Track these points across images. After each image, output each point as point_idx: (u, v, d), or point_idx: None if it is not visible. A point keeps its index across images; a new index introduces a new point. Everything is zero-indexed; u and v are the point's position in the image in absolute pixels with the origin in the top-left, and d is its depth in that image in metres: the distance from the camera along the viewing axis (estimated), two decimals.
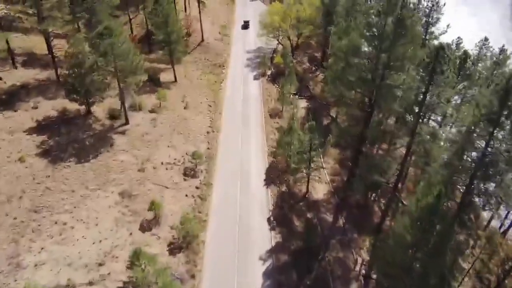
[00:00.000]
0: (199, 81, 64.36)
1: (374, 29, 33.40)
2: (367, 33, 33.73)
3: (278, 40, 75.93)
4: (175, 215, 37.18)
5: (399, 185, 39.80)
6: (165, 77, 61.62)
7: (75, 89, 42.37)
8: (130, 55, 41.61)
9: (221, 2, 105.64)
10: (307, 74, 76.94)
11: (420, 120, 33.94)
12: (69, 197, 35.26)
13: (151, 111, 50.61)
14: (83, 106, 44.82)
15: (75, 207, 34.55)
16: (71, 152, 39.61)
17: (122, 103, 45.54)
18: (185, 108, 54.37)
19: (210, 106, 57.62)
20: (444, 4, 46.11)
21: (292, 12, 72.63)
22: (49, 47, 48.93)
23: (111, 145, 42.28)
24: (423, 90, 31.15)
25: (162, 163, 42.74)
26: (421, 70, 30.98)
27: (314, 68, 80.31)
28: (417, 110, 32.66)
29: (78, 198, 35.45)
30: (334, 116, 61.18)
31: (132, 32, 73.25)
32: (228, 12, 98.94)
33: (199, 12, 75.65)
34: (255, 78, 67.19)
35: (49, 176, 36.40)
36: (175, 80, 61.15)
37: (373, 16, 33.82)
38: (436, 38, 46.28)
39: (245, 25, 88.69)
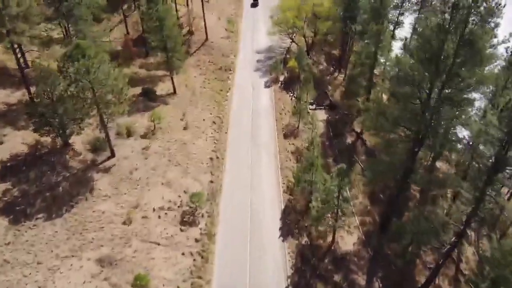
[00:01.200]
0: (203, 90, 55.15)
1: (431, 51, 23.86)
2: (424, 55, 24.14)
3: (291, 38, 65.73)
4: (168, 286, 29.07)
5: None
6: (163, 87, 52.63)
7: (46, 121, 33.94)
8: (110, 80, 32.63)
9: None
10: (325, 76, 66.89)
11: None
12: (34, 272, 27.17)
13: (144, 136, 41.92)
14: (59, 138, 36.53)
15: None
16: (41, 205, 31.35)
17: (106, 134, 36.91)
18: (184, 128, 45.51)
19: (215, 123, 48.63)
20: (505, 5, 35.39)
21: (308, 6, 62.13)
22: (19, 63, 40.05)
23: (91, 190, 33.90)
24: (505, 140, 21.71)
25: (153, 210, 34.31)
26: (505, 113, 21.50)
27: (332, 68, 70.19)
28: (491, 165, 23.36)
29: (45, 272, 27.29)
30: (359, 131, 51.81)
31: (127, 31, 64.02)
32: (235, 2, 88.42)
33: (202, 7, 65.53)
34: (266, 85, 57.57)
35: (9, 243, 28.36)
36: (174, 92, 52.13)
37: (429, 32, 24.19)
38: (494, 48, 36.02)
39: (255, 3, 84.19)
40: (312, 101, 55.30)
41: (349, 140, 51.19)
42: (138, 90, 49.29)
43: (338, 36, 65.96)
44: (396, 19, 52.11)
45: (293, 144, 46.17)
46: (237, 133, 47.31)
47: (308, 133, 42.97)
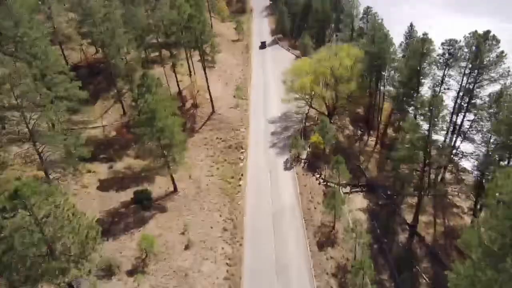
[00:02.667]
0: (210, 180, 44.36)
1: None
2: None
3: (309, 104, 55.37)
4: None
5: None
6: (161, 184, 42.01)
7: None
8: (65, 232, 21.98)
9: (234, 51, 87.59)
10: (353, 143, 55.68)
11: None
12: None
13: (131, 272, 30.60)
14: None
15: None
16: None
17: None
18: (186, 248, 34.06)
19: (226, 230, 37.10)
20: None
21: (325, 68, 52.25)
22: None
23: None
24: None
25: None
26: None
27: (360, 132, 59.08)
28: None
29: None
30: (413, 225, 39.29)
31: (124, 111, 55.26)
32: (243, 63, 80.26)
33: (206, 76, 56.45)
34: (286, 167, 46.26)
35: None
36: (175, 190, 41.49)
37: None
38: None
39: (263, 45, 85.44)
40: (345, 182, 43.65)
41: (402, 237, 38.65)
42: (129, 194, 38.85)
43: (363, 96, 55.39)
44: (441, 79, 41.14)
45: (331, 257, 33.77)
46: (257, 247, 35.20)
47: (349, 239, 31.16)
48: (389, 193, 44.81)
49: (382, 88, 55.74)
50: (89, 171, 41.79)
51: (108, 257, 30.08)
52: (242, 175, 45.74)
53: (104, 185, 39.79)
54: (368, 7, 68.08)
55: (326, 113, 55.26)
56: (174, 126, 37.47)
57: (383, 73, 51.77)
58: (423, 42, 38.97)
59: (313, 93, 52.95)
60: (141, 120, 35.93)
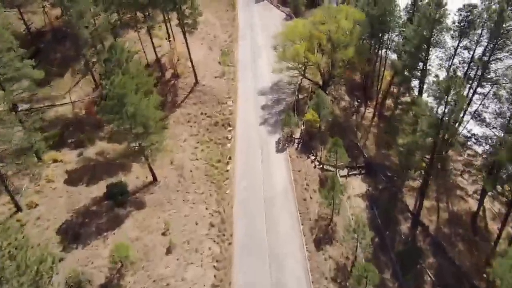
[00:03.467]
0: (194, 166, 39.51)
1: None
2: None
3: (303, 74, 49.49)
4: None
5: None
6: (139, 174, 37.10)
7: None
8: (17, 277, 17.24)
9: (217, 9, 78.83)
10: (350, 117, 50.87)
11: None
12: None
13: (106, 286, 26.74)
14: None
15: None
16: None
17: None
18: (168, 252, 30.04)
19: (212, 225, 32.96)
20: None
21: (320, 33, 45.80)
22: None
23: None
24: None
25: None
26: None
27: (357, 103, 54.08)
28: None
29: None
30: (416, 213, 35.79)
31: (96, 84, 48.70)
32: (229, 23, 72.30)
33: (187, 44, 49.44)
34: (279, 148, 41.54)
35: None
36: (154, 179, 36.72)
37: None
38: None
39: None
40: (342, 164, 39.44)
41: (405, 227, 35.34)
42: (101, 188, 33.96)
43: (362, 63, 49.61)
44: (454, 51, 35.54)
45: (330, 257, 30.28)
46: (247, 243, 31.44)
47: (349, 239, 27.72)
48: (389, 174, 41.04)
49: (383, 54, 50.05)
50: (55, 160, 36.49)
51: (78, 271, 25.94)
52: (230, 158, 40.99)
53: (73, 178, 34.70)
54: None
55: (321, 82, 49.72)
56: (149, 110, 31.78)
57: (385, 39, 45.79)
58: (438, 5, 32.89)
59: (307, 61, 46.91)
60: (107, 106, 30.14)
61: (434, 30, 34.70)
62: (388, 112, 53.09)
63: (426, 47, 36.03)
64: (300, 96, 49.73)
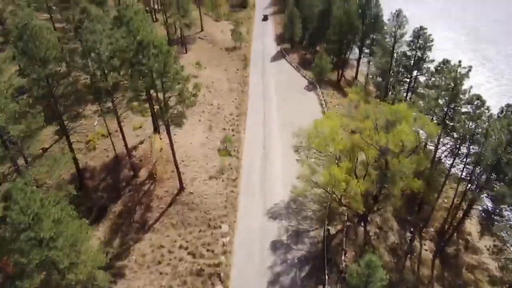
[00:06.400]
0: None
1: None
2: None
3: (338, 201, 32.21)
4: None
5: None
6: None
7: None
8: None
9: (227, 65, 63.75)
10: (403, 262, 33.41)
11: None
12: None
13: None
14: None
15: None
16: None
17: None
18: None
19: None
20: None
21: (373, 147, 29.11)
22: None
23: None
24: None
25: None
26: None
27: (410, 234, 36.76)
28: None
29: None
30: None
31: None
32: (239, 86, 56.83)
33: (171, 142, 32.78)
34: None
35: None
36: None
37: None
38: None
39: (265, 18, 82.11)
40: None
41: None
42: None
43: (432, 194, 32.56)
44: None
45: None
46: None
47: None
48: None
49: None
50: None
51: None
52: None
53: None
54: (421, 28, 44.34)
55: (362, 211, 32.54)
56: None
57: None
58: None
59: (345, 187, 29.92)
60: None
61: None
62: (453, 248, 36.08)
63: None
64: (331, 229, 32.56)
